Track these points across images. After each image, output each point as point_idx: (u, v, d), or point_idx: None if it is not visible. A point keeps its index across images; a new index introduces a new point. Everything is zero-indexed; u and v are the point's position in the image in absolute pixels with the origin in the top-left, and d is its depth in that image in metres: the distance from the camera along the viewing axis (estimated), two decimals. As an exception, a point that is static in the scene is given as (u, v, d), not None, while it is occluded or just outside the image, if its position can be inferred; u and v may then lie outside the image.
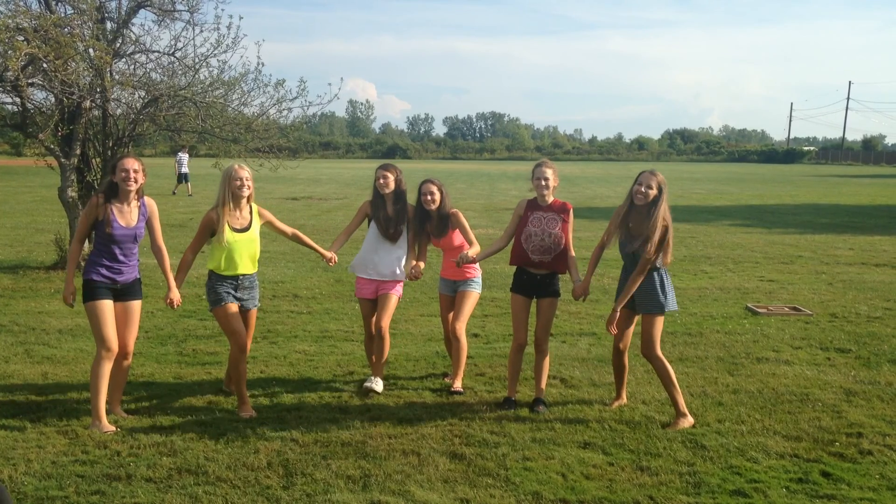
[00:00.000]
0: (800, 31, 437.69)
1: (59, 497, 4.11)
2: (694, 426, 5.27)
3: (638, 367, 6.60)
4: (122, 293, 5.28)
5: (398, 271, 6.12)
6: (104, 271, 5.18)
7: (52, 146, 10.60)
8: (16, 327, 7.80)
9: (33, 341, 7.29)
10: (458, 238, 6.20)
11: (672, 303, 5.42)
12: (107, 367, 5.12)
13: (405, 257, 6.17)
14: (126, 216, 5.21)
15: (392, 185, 6.07)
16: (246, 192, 5.57)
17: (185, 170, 26.77)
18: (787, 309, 9.05)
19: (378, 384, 5.95)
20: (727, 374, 6.50)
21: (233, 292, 5.57)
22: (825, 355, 7.10)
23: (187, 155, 26.77)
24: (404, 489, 4.27)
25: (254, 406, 5.58)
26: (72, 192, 10.67)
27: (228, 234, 5.48)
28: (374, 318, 6.11)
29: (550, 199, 5.77)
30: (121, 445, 4.80)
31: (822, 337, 7.77)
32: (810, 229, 18.02)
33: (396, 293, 6.15)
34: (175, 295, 5.52)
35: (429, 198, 6.07)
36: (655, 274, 5.34)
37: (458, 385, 6.06)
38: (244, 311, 5.69)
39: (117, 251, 5.20)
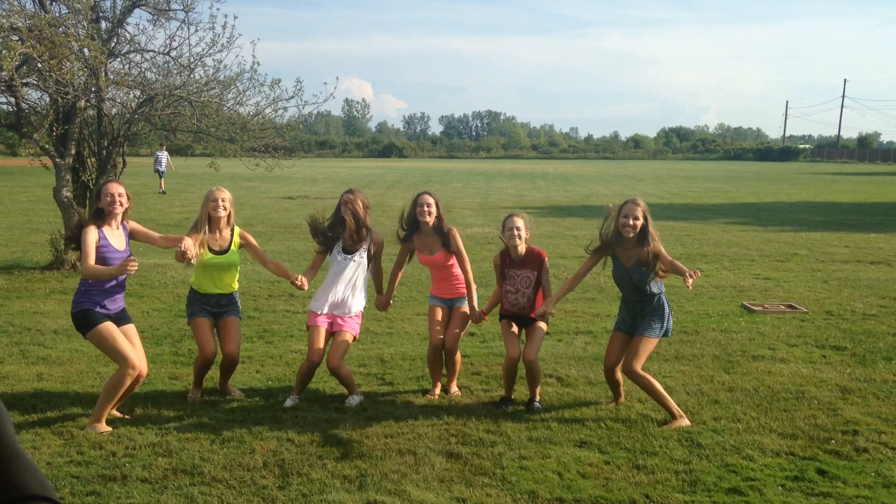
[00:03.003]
0: (796, 28, 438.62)
1: (54, 498, 4.09)
2: (690, 426, 5.28)
3: (634, 365, 6.61)
4: (116, 321, 5.27)
5: (355, 304, 5.86)
6: (98, 298, 5.15)
7: (47, 146, 10.56)
8: (11, 328, 7.78)
9: (28, 342, 7.27)
10: (444, 258, 5.99)
11: (670, 329, 5.57)
12: (128, 383, 5.11)
13: (363, 290, 5.93)
14: (117, 239, 5.28)
15: (359, 209, 5.82)
16: (222, 213, 5.73)
17: (161, 167, 27.36)
18: (782, 307, 9.06)
19: (354, 399, 5.71)
20: (723, 372, 6.51)
21: (208, 308, 5.78)
22: (821, 353, 7.11)
23: (166, 153, 27.46)
24: (400, 489, 4.26)
25: (250, 406, 5.59)
26: (67, 192, 10.64)
27: (206, 257, 5.65)
28: (322, 353, 5.71)
29: (523, 248, 5.79)
30: (116, 446, 4.79)
31: (818, 335, 7.77)
32: (806, 227, 18.04)
33: (353, 332, 5.83)
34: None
35: (425, 209, 5.89)
36: (664, 299, 5.47)
37: (454, 388, 6.04)
38: (223, 319, 5.80)
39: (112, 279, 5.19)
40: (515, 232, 5.74)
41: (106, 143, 10.90)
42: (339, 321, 5.82)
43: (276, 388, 6.02)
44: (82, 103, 10.34)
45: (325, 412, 5.48)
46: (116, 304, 5.30)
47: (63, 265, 10.90)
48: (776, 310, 8.91)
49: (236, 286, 5.93)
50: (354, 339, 5.91)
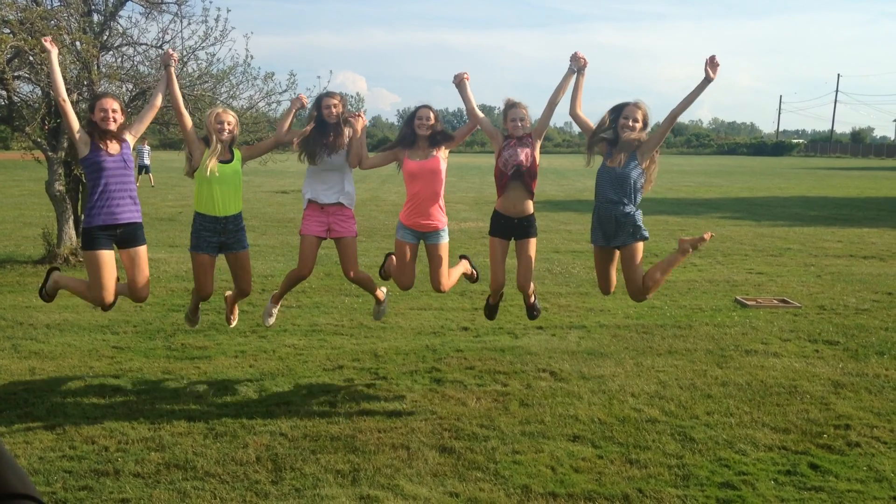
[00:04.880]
0: (790, 23, 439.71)
1: (46, 493, 4.09)
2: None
3: (627, 360, 6.62)
4: (125, 239, 5.27)
5: (349, 189, 5.80)
6: (104, 212, 5.16)
7: (39, 140, 10.51)
8: (3, 322, 7.74)
9: (20, 336, 7.24)
10: (439, 161, 5.78)
11: (646, 232, 5.46)
12: (90, 301, 5.39)
13: (350, 175, 5.86)
14: (110, 147, 5.21)
15: (336, 113, 5.71)
16: (226, 137, 5.62)
17: (146, 161, 27.52)
18: (775, 301, 9.09)
19: (381, 309, 6.37)
20: (716, 366, 6.52)
21: (214, 239, 5.58)
22: (813, 347, 7.13)
23: (148, 147, 27.73)
24: (393, 483, 4.26)
25: (243, 400, 5.57)
26: (59, 186, 10.59)
27: (214, 163, 5.51)
28: (312, 266, 5.78)
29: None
30: (108, 441, 4.78)
31: (811, 329, 7.80)
32: (799, 222, 18.09)
33: (353, 233, 5.80)
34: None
35: (424, 122, 5.73)
36: (635, 209, 5.38)
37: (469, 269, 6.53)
38: (233, 256, 5.73)
39: (111, 181, 5.17)
40: (519, 123, 5.60)
41: (98, 137, 10.84)
42: (336, 225, 5.75)
43: (270, 383, 6.01)
44: (74, 97, 10.28)
45: (318, 406, 5.47)
46: (125, 213, 5.23)
47: (56, 259, 10.85)
48: (769, 304, 8.93)
49: (240, 205, 5.76)
50: (355, 238, 5.86)
